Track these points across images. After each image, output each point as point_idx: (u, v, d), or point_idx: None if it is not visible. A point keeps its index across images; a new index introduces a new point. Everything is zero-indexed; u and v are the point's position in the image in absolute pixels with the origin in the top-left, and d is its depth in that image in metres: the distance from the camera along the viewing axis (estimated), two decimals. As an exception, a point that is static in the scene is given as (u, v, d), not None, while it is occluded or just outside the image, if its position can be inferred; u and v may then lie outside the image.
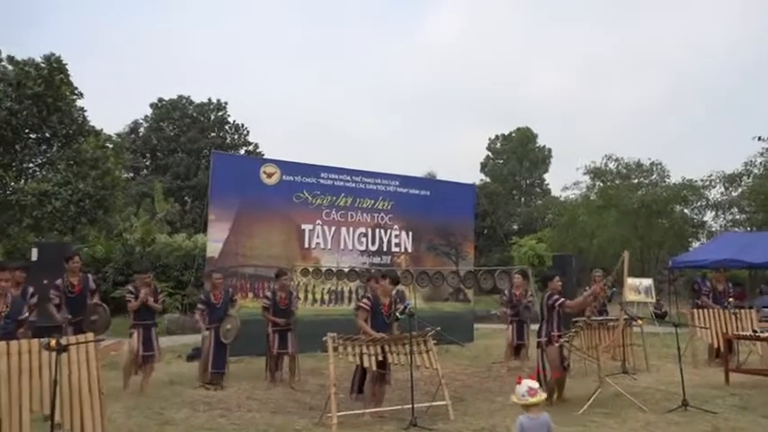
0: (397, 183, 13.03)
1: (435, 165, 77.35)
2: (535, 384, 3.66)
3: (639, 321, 8.95)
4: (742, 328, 8.71)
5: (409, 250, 12.99)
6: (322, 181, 12.05)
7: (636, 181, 27.38)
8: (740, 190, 25.18)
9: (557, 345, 6.58)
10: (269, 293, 8.46)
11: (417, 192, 13.27)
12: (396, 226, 12.86)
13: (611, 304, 9.73)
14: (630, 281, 14.74)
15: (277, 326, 8.13)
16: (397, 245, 12.87)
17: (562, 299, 6.65)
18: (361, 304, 6.53)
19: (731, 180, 25.21)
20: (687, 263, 16.69)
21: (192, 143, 36.13)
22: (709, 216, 26.54)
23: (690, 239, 26.65)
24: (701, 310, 9.13)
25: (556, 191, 48.54)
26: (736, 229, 24.66)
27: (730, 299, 9.73)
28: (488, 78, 71.81)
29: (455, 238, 13.64)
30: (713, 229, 26.09)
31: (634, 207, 25.00)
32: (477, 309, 17.87)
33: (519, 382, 3.66)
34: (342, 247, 12.16)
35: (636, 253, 24.96)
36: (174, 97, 37.19)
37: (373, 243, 12.56)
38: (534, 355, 7.46)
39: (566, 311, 6.69)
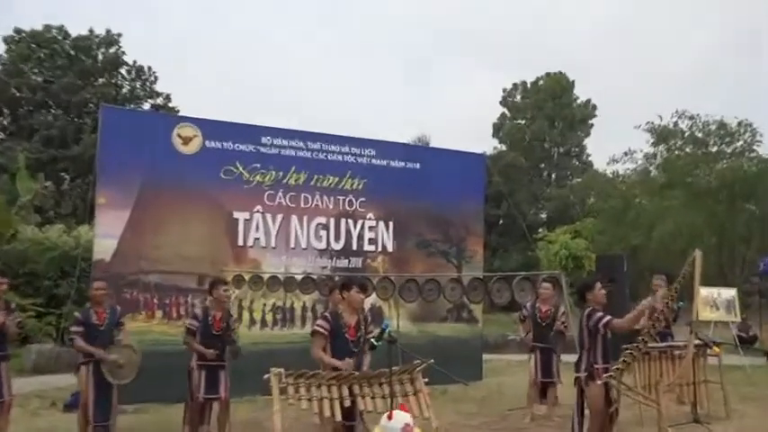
0: (374, 152, 13.06)
1: (429, 127, 77.80)
2: (410, 419, 3.74)
3: (716, 349, 9.12)
4: None
5: (390, 249, 13.04)
6: (264, 149, 12.03)
7: (715, 149, 27.80)
8: None
9: (600, 382, 6.65)
10: (198, 311, 8.41)
11: (403, 165, 13.31)
12: (371, 214, 12.89)
13: (676, 325, 9.88)
14: (705, 292, 15.03)
15: (206, 359, 8.10)
16: (373, 241, 12.91)
17: (608, 317, 6.71)
18: (317, 327, 6.56)
19: None
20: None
21: (69, 94, 35.36)
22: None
23: None
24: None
25: (601, 163, 49.22)
26: None
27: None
28: (504, 4, 72.13)
29: (456, 231, 13.72)
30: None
31: (711, 186, 25.44)
32: (487, 333, 18.04)
33: (390, 418, 3.73)
34: (292, 244, 12.16)
35: (713, 252, 25.44)
36: (39, 28, 36.45)
37: (338, 239, 12.57)
38: (569, 398, 7.55)
39: (613, 332, 6.77)
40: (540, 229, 35.05)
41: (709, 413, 9.11)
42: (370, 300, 11.12)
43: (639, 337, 6.93)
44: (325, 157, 12.56)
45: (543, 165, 46.97)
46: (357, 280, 6.96)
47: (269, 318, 11.86)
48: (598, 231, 30.01)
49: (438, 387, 10.79)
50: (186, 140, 11.46)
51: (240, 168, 11.78)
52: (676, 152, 28.32)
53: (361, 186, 12.78)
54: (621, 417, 7.47)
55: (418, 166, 13.44)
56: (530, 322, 9.71)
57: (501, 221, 39.40)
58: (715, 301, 15.25)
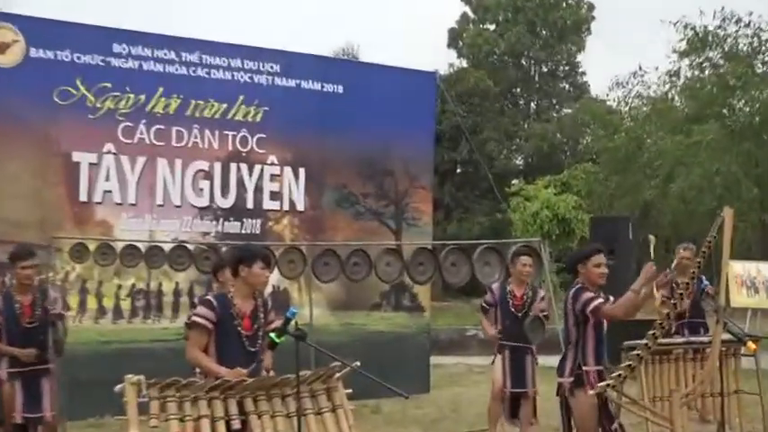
0: (278, 68, 13.02)
1: (358, 34, 77.12)
2: None
3: (752, 346, 9.25)
4: None
5: (300, 207, 13.11)
6: (118, 61, 11.88)
7: (763, 68, 28.06)
8: None
9: (593, 392, 6.78)
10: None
11: (319, 87, 13.30)
12: (273, 158, 12.91)
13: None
14: (739, 268, 15.35)
15: (18, 364, 8.02)
16: (276, 196, 12.94)
17: (597, 300, 6.80)
18: (195, 318, 6.49)
19: None
20: None
21: None
22: None
23: None
24: None
25: (600, 88, 49.73)
26: None
27: None
28: None
29: (395, 182, 13.82)
30: None
31: (751, 120, 25.82)
32: (438, 326, 18.21)
33: None
34: (159, 200, 12.10)
35: (754, 211, 25.93)
36: None
37: (226, 193, 12.56)
38: (550, 414, 7.68)
39: (612, 322, 6.93)
40: (515, 181, 35.35)
41: (742, 434, 9.38)
42: (272, 279, 11.12)
43: (650, 332, 7.00)
44: (208, 74, 12.46)
45: (520, 89, 47.34)
46: (259, 251, 6.87)
47: (125, 305, 11.81)
48: (595, 184, 30.41)
49: (367, 402, 10.88)
50: (2, 48, 11.25)
51: (83, 89, 11.60)
52: (709, 71, 28.56)
53: (259, 117, 12.75)
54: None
55: (341, 89, 13.44)
56: (498, 312, 9.75)
57: (459, 169, 39.65)
58: (754, 282, 15.38)
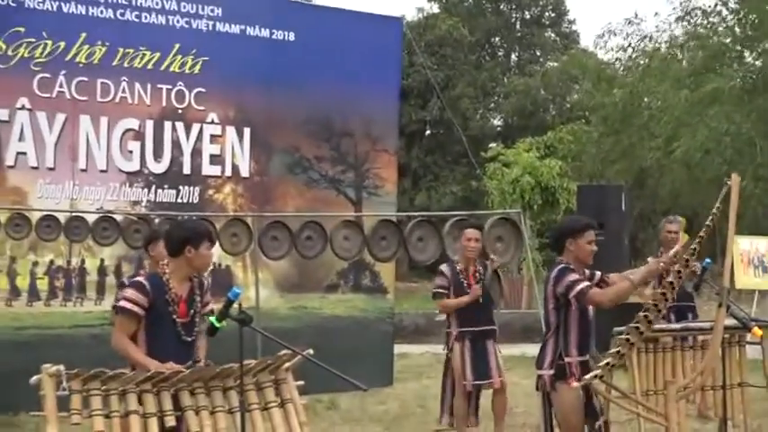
0: (219, 11, 12.96)
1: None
2: None
3: (758, 332, 9.32)
4: None
5: (244, 173, 13.11)
6: (32, 2, 11.73)
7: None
8: None
9: (576, 384, 6.84)
10: None
11: (267, 34, 13.27)
12: (213, 116, 12.87)
13: (700, 296, 10.20)
14: (746, 244, 15.47)
15: None
16: (217, 160, 12.92)
17: (583, 283, 6.82)
18: (123, 302, 6.46)
19: None
20: None
21: None
22: None
23: None
24: None
25: (591, 39, 49.80)
26: None
27: None
28: None
29: (355, 144, 13.83)
30: None
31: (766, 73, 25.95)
32: (403, 310, 18.24)
33: None
34: (82, 164, 12.04)
35: (761, 180, 26.11)
36: None
37: (158, 156, 12.53)
38: (528, 407, 7.73)
39: (595, 306, 6.96)
40: (492, 144, 35.32)
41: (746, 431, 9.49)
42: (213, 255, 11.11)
43: (641, 314, 7.04)
44: (138, 17, 12.37)
45: (498, 39, 47.40)
46: (205, 229, 6.82)
47: (42, 285, 11.74)
48: (584, 147, 30.52)
49: (322, 397, 10.95)
50: None
51: (-8, 35, 11.54)
52: (713, 18, 28.74)
53: (197, 69, 12.70)
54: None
55: (293, 36, 13.39)
56: (452, 296, 9.81)
57: (429, 131, 39.72)
58: (762, 260, 15.52)
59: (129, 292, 6.36)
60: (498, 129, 42.20)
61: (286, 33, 13.32)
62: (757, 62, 26.91)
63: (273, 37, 13.24)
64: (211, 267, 11.42)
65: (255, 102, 13.03)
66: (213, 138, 12.83)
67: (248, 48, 13.05)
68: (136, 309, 6.28)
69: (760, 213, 25.87)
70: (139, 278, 6.69)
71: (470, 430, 9.86)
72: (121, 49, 12.20)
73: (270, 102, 13.09)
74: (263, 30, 13.18)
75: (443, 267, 9.95)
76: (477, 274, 9.74)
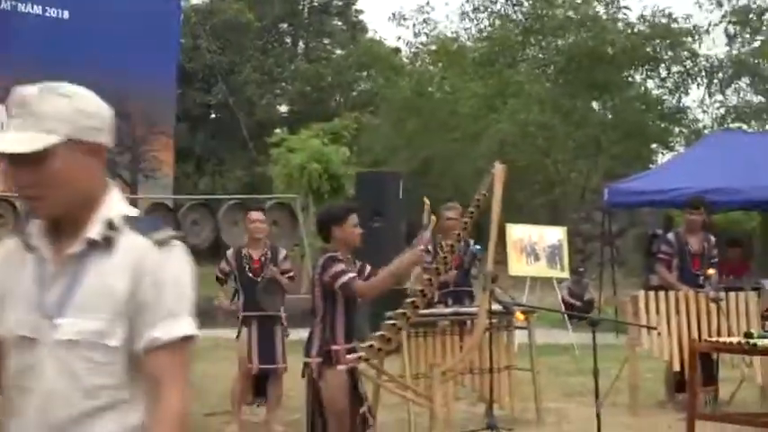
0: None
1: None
2: None
3: (520, 317, 9.47)
4: (729, 329, 9.63)
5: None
6: None
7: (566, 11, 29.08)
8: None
9: (343, 367, 6.84)
10: None
11: (39, 11, 12.81)
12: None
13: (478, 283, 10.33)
14: (519, 232, 15.72)
15: None
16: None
17: (348, 275, 6.86)
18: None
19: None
20: (636, 194, 16.73)
21: None
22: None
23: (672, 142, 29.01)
24: (653, 294, 10.04)
25: (379, 26, 50.09)
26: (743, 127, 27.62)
27: (710, 270, 10.72)
28: None
29: (132, 126, 13.42)
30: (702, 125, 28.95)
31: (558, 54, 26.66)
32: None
33: None
34: None
35: (568, 164, 26.74)
36: None
37: None
38: (300, 393, 7.67)
39: (360, 298, 7.00)
40: (278, 130, 35.15)
41: (513, 412, 9.57)
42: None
43: (408, 300, 7.13)
44: None
45: (285, 25, 47.30)
46: None
47: None
48: (370, 134, 30.81)
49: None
50: None
51: None
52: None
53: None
54: (381, 422, 7.77)
55: (67, 14, 12.98)
56: (237, 281, 9.88)
57: (213, 115, 39.38)
58: (534, 248, 15.77)
59: None
60: (284, 115, 42.11)
61: (60, 11, 12.95)
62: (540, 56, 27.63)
63: (47, 14, 12.86)
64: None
65: (27, 80, 12.50)
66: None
67: (20, 24, 12.63)
68: None
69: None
70: None
71: (250, 411, 9.95)
72: None
73: (43, 80, 12.65)
74: (35, 6, 12.79)
75: (228, 252, 10.07)
76: (264, 259, 9.72)
